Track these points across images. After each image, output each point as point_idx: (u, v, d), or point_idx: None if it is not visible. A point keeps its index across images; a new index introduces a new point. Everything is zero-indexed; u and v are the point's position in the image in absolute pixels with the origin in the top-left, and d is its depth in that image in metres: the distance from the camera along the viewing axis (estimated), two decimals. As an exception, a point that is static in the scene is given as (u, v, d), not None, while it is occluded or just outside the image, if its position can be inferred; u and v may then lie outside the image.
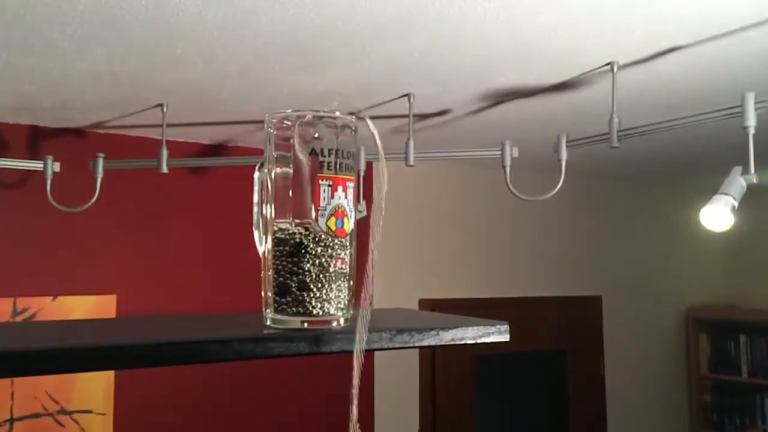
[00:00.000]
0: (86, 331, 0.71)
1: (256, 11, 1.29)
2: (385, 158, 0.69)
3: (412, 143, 1.82)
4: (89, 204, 1.97)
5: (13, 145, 2.14)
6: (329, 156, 0.66)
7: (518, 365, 3.23)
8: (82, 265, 2.25)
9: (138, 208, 2.36)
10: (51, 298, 2.17)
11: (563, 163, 1.71)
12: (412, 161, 1.82)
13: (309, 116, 0.67)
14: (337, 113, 0.68)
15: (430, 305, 2.89)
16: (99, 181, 1.99)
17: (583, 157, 2.21)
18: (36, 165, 1.98)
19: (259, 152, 2.70)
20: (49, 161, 1.97)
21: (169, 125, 2.03)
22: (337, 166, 0.66)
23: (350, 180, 0.68)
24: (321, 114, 0.68)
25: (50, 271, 2.20)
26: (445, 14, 1.31)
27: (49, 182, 1.97)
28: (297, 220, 0.67)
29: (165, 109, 1.93)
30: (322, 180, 0.66)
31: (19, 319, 2.12)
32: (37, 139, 2.19)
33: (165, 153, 1.94)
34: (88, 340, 0.59)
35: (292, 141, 0.66)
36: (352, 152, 0.68)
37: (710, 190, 1.44)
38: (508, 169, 1.80)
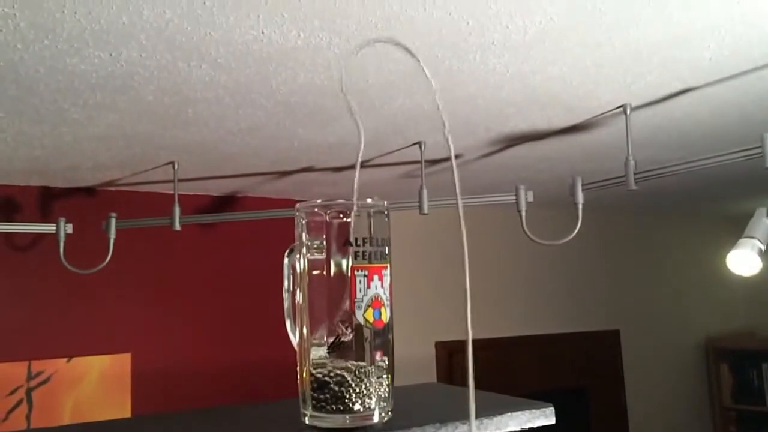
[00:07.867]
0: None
1: (267, 76, 1.29)
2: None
3: (425, 192, 1.81)
4: (102, 265, 1.95)
5: (24, 207, 2.14)
6: (363, 245, 0.64)
7: (539, 404, 3.16)
8: (96, 325, 2.23)
9: (151, 265, 2.34)
10: (66, 359, 2.15)
11: (580, 207, 1.69)
12: (426, 209, 1.81)
13: (341, 204, 0.65)
14: (369, 200, 0.66)
15: (446, 348, 2.85)
16: (112, 241, 1.97)
17: (595, 193, 2.20)
18: (49, 228, 1.97)
19: (270, 203, 2.64)
20: (62, 223, 1.96)
21: (180, 180, 2.02)
22: (372, 255, 0.65)
23: (385, 268, 0.66)
24: (353, 202, 0.66)
25: (64, 333, 2.17)
26: (456, 70, 1.31)
27: (62, 244, 1.96)
28: (333, 313, 0.65)
29: (176, 167, 1.93)
30: (358, 270, 0.64)
31: (33, 383, 2.09)
32: (48, 200, 2.19)
33: (177, 210, 1.93)
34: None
35: (323, 230, 0.65)
36: (386, 239, 0.67)
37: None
38: (523, 214, 1.78)
